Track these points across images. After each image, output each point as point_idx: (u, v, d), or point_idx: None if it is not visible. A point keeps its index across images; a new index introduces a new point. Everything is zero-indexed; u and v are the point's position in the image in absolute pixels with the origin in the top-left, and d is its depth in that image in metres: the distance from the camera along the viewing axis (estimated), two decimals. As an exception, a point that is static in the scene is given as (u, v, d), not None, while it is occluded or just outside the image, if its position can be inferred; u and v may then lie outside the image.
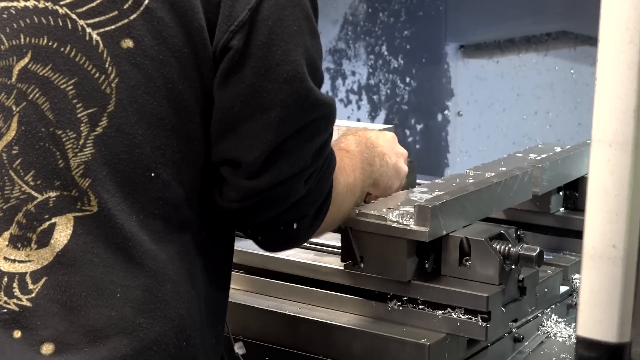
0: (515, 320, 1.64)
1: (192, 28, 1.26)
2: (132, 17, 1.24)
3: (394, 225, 1.56)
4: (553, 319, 1.78)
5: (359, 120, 3.66)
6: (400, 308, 1.60)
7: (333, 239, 1.73)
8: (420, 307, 1.59)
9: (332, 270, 1.67)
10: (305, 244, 1.78)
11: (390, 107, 3.69)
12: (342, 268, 1.63)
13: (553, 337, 1.76)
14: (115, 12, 1.24)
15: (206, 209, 1.36)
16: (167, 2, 1.25)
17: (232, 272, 1.76)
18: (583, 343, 0.95)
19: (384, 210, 1.60)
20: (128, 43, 1.24)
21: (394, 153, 1.70)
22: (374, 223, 1.58)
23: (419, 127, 3.72)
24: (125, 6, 1.24)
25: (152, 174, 1.26)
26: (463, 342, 1.59)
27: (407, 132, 3.70)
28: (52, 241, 1.24)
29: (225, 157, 1.33)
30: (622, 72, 0.88)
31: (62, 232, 1.24)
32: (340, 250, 1.63)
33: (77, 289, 1.24)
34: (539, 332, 1.76)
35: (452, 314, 1.56)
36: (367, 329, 1.59)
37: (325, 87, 3.68)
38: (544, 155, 1.96)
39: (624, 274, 0.92)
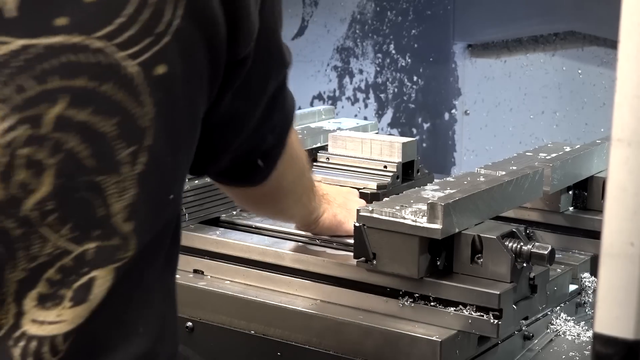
0: (526, 318, 1.66)
1: (213, 43, 1.19)
2: (164, 41, 1.13)
3: (407, 222, 1.57)
4: (562, 317, 1.79)
5: (365, 118, 3.67)
6: (412, 305, 1.61)
7: (346, 236, 1.75)
8: (432, 304, 1.60)
9: (345, 266, 1.68)
10: (318, 240, 1.80)
11: (398, 106, 3.70)
12: (355, 264, 1.64)
13: (562, 335, 1.77)
14: (152, 38, 1.12)
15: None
16: (193, 19, 1.15)
17: (246, 268, 1.79)
18: (600, 339, 0.96)
19: (397, 207, 1.61)
20: (162, 69, 1.13)
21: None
22: (387, 220, 1.59)
23: (425, 125, 3.73)
24: (158, 30, 1.13)
25: (171, 196, 1.19)
26: (474, 339, 1.60)
27: (414, 130, 3.71)
28: (90, 297, 1.12)
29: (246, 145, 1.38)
30: (643, 72, 0.89)
31: (102, 285, 1.12)
32: (353, 247, 1.64)
33: (104, 333, 1.15)
34: (548, 330, 1.77)
35: (464, 311, 1.57)
36: (378, 325, 1.60)
37: (333, 85, 3.69)
38: (554, 155, 1.98)
39: (641, 271, 0.93)
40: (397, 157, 1.96)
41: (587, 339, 1.74)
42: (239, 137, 1.36)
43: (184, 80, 1.16)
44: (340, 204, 1.79)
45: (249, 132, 1.36)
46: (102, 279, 1.12)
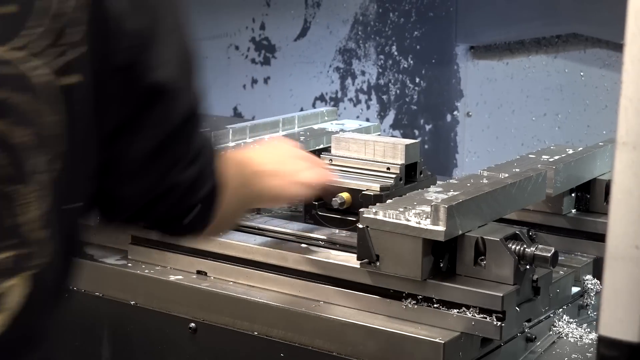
0: (529, 320, 1.66)
1: (109, 52, 1.20)
2: (74, 51, 1.16)
3: (411, 224, 1.58)
4: (565, 320, 1.80)
5: (367, 120, 3.67)
6: (416, 306, 1.62)
7: (351, 237, 1.75)
8: (435, 305, 1.60)
9: (349, 268, 1.68)
10: (321, 241, 1.80)
11: (400, 107, 3.71)
12: (359, 266, 1.65)
13: (565, 338, 1.77)
14: (61, 49, 1.14)
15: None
16: (101, 30, 1.18)
17: (249, 269, 1.79)
18: (604, 342, 0.96)
19: (401, 209, 1.61)
20: (73, 79, 1.16)
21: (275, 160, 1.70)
22: (391, 222, 1.59)
23: (428, 127, 3.73)
24: (70, 40, 1.15)
25: (81, 203, 1.22)
26: (477, 341, 1.60)
27: (416, 132, 3.72)
28: (8, 305, 1.14)
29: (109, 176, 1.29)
30: (648, 75, 0.90)
31: (19, 293, 1.14)
32: (356, 249, 1.65)
33: (22, 340, 1.18)
34: (551, 333, 1.78)
35: (467, 313, 1.58)
36: (382, 327, 1.61)
37: (335, 87, 3.70)
38: (556, 157, 1.98)
39: (646, 274, 0.93)
40: (400, 159, 1.96)
41: (590, 341, 1.74)
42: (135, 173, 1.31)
43: (89, 90, 1.17)
44: (272, 171, 1.68)
45: (145, 166, 1.31)
46: (19, 287, 1.14)
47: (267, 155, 1.71)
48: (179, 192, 1.34)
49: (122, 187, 1.30)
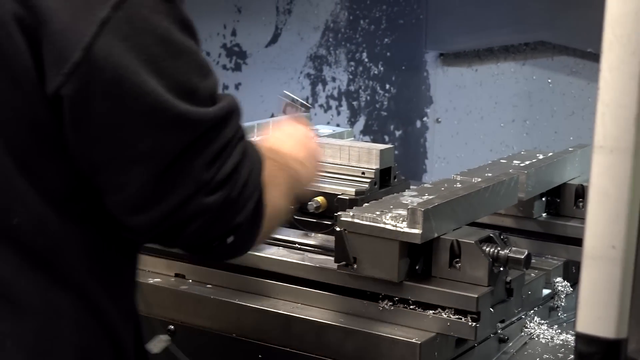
0: (502, 321, 1.69)
1: (17, 72, 1.20)
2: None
3: (388, 227, 1.60)
4: (536, 321, 1.83)
5: (338, 125, 3.69)
6: (392, 308, 1.64)
7: (327, 241, 1.77)
8: (411, 307, 1.63)
9: (326, 270, 1.70)
10: (300, 245, 1.82)
11: (370, 114, 3.74)
12: (336, 269, 1.67)
13: (536, 339, 1.80)
14: None
15: (100, 241, 1.31)
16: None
17: (227, 273, 1.80)
18: (582, 339, 0.99)
19: (377, 212, 1.64)
20: None
21: (301, 148, 1.60)
22: (368, 225, 1.62)
23: (397, 133, 3.76)
24: None
25: (15, 220, 1.23)
26: (452, 341, 1.63)
27: (386, 138, 3.75)
28: None
29: (107, 203, 1.28)
30: (625, 82, 0.93)
31: None
32: (334, 251, 1.67)
33: None
34: (523, 334, 1.81)
35: (443, 314, 1.60)
36: (359, 328, 1.63)
37: (306, 93, 3.72)
38: (527, 162, 2.01)
39: (622, 273, 0.96)
40: (375, 164, 1.99)
41: (561, 342, 1.78)
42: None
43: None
44: (302, 158, 1.59)
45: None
46: None
47: (291, 142, 1.61)
48: (210, 217, 1.28)
49: (129, 217, 1.28)
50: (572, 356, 1.62)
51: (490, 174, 1.90)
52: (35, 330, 1.24)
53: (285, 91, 2.09)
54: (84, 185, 1.26)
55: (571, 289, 1.93)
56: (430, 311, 1.61)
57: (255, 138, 1.70)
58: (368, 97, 3.72)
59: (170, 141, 1.23)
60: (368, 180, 1.97)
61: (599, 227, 0.96)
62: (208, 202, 1.26)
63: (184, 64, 1.25)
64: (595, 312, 0.97)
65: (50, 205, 1.24)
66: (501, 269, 1.63)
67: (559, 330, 1.81)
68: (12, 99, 1.20)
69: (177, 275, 1.85)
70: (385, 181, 2.02)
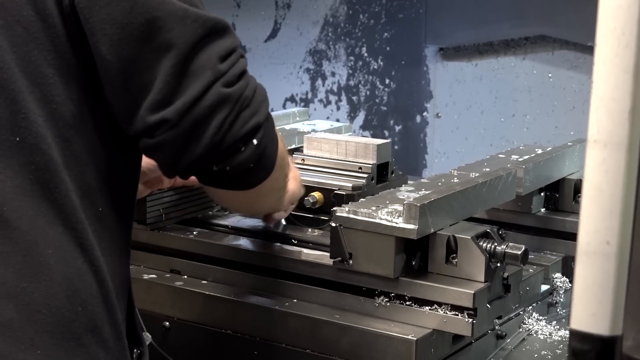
0: (499, 317, 1.68)
1: None
2: None
3: (384, 222, 1.59)
4: (534, 317, 1.82)
5: (338, 120, 3.68)
6: (388, 304, 1.63)
7: (323, 236, 1.76)
8: (407, 303, 1.62)
9: (322, 266, 1.69)
10: (294, 240, 1.81)
11: (370, 108, 3.73)
12: (331, 264, 1.66)
13: (534, 335, 1.79)
14: None
15: (107, 176, 1.36)
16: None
17: (222, 269, 1.79)
18: (576, 336, 0.98)
19: (373, 208, 1.63)
20: None
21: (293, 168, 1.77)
22: (364, 220, 1.61)
23: (397, 128, 3.75)
24: None
25: (17, 138, 1.27)
26: (449, 338, 1.62)
27: (386, 133, 3.74)
28: None
29: (130, 112, 1.33)
30: (618, 75, 0.92)
31: None
32: (329, 247, 1.66)
33: None
34: (521, 330, 1.80)
35: (439, 310, 1.59)
36: (355, 324, 1.62)
37: (305, 88, 3.71)
38: (526, 157, 2.00)
39: (616, 269, 0.95)
40: (372, 159, 1.98)
41: (559, 338, 1.77)
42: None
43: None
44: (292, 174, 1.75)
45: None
46: None
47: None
48: (230, 110, 1.34)
49: (153, 115, 1.32)
50: (569, 353, 1.61)
51: (488, 169, 1.89)
52: (24, 253, 1.27)
53: None
54: (93, 109, 1.34)
55: (570, 285, 1.92)
56: (427, 307, 1.60)
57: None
58: (368, 92, 3.71)
59: (186, 32, 1.31)
60: (365, 175, 1.96)
61: (593, 222, 0.95)
62: (227, 92, 1.34)
63: None
64: (590, 308, 0.96)
65: (52, 128, 1.30)
66: (498, 264, 1.62)
67: (558, 327, 1.80)
68: (27, 16, 1.28)
69: (172, 271, 1.85)
70: (383, 176, 2.01)
